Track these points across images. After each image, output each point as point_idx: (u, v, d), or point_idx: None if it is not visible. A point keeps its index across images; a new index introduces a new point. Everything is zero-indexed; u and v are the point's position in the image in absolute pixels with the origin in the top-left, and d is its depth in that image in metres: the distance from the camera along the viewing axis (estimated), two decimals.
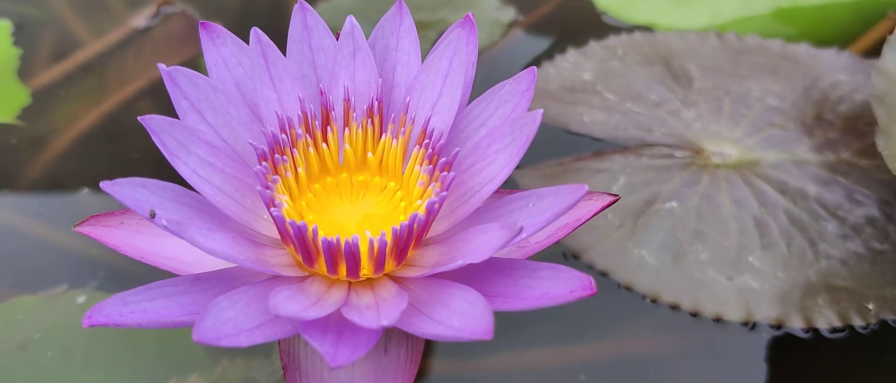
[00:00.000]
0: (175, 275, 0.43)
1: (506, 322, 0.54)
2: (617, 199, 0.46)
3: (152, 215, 0.44)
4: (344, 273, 0.42)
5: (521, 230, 0.42)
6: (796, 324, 0.59)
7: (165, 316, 0.40)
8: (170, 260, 0.44)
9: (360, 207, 0.47)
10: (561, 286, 0.40)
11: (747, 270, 0.61)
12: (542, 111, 0.42)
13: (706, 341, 0.58)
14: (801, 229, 0.64)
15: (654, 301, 0.60)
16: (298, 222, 0.40)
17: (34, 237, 0.64)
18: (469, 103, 0.46)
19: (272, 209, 0.42)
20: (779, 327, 0.58)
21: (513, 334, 0.55)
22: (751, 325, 0.58)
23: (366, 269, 0.42)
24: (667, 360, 0.57)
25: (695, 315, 0.60)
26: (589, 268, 0.64)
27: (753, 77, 0.75)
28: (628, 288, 0.62)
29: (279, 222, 0.43)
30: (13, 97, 0.74)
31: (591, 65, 0.79)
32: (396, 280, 0.43)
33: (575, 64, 0.79)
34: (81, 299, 0.64)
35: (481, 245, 0.40)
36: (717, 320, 0.59)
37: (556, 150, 0.70)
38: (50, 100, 0.75)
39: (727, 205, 0.67)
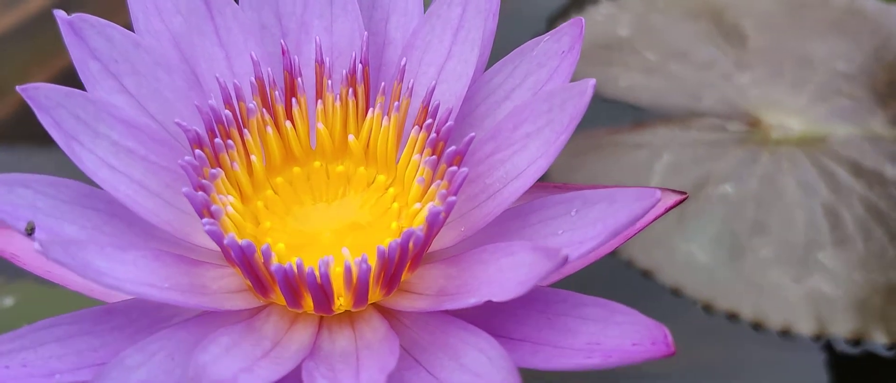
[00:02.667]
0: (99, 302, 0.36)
1: None
2: (685, 198, 0.39)
3: (30, 231, 0.31)
4: (311, 306, 0.34)
5: (564, 259, 0.31)
6: (878, 340, 0.54)
7: (55, 371, 0.32)
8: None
9: (338, 209, 0.39)
10: (617, 335, 0.32)
11: (817, 271, 0.58)
12: (593, 81, 0.33)
13: (771, 359, 0.56)
14: (879, 220, 0.60)
15: (707, 308, 0.57)
16: (241, 241, 0.32)
17: None
18: (486, 69, 0.39)
19: (205, 221, 0.33)
20: (856, 342, 0.54)
21: None
22: (823, 340, 0.55)
23: (343, 300, 0.35)
24: (724, 379, 0.54)
25: (757, 326, 0.56)
26: (628, 266, 0.61)
27: (816, 35, 0.72)
28: (676, 293, 0.58)
29: (215, 238, 0.34)
30: None
31: (628, 18, 0.76)
32: (386, 313, 0.36)
33: (609, 17, 0.76)
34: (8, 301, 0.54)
35: (505, 271, 0.33)
36: (784, 333, 0.56)
37: (586, 120, 0.66)
38: None
39: (792, 190, 0.63)
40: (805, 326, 0.56)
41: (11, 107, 0.74)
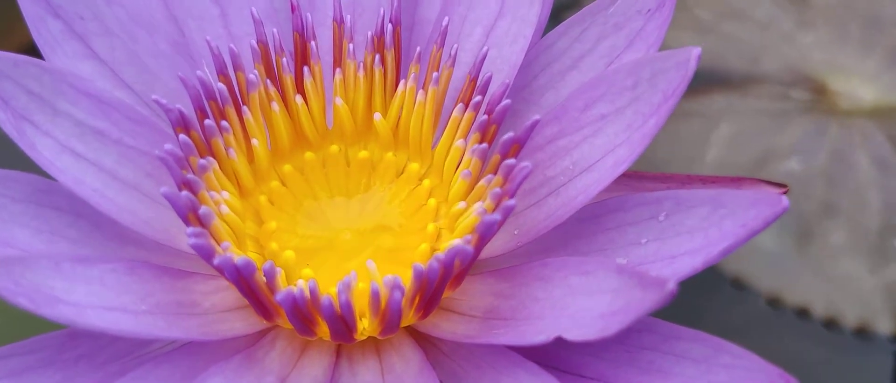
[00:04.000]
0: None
1: None
2: (786, 192, 0.35)
3: None
4: (327, 333, 0.30)
5: (671, 295, 0.25)
6: None
7: None
8: None
9: (360, 205, 0.35)
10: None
11: (895, 259, 0.54)
12: (698, 50, 0.29)
13: (844, 362, 0.52)
14: None
15: (772, 302, 0.53)
16: (237, 258, 0.28)
17: None
18: (546, 32, 0.35)
19: (191, 232, 0.28)
20: None
21: None
22: None
23: (367, 323, 0.31)
24: None
25: (829, 324, 0.53)
26: None
27: None
28: (737, 283, 0.55)
29: (204, 256, 0.28)
30: None
31: None
32: (420, 338, 0.32)
33: None
34: None
35: (577, 297, 0.29)
36: (860, 331, 0.52)
37: None
38: None
39: (865, 167, 0.60)
40: (884, 324, 0.52)
41: None
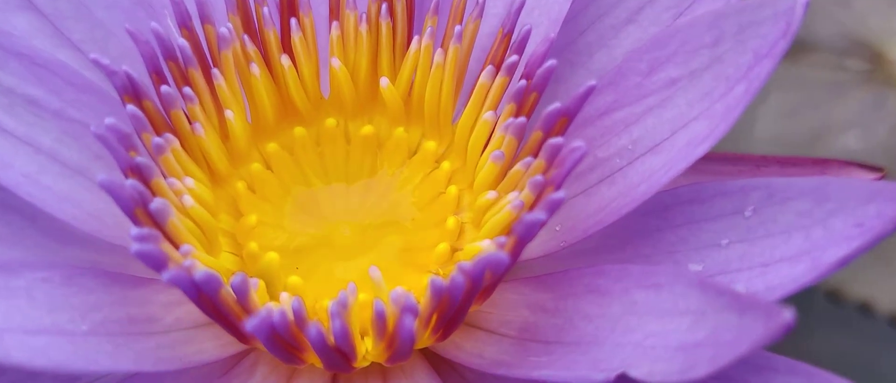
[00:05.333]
0: None
1: None
2: (882, 175, 0.32)
3: None
4: (318, 361, 0.25)
5: (781, 322, 0.19)
6: None
7: None
8: None
9: (363, 192, 0.30)
10: None
11: None
12: None
13: None
14: None
15: (832, 295, 0.50)
16: (197, 271, 0.22)
17: None
18: None
19: (136, 234, 0.22)
20: None
21: None
22: None
23: (370, 346, 0.25)
24: None
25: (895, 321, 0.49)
26: None
27: None
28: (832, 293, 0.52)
29: (152, 265, 0.22)
30: None
31: None
32: (438, 364, 0.27)
33: None
34: None
35: (643, 317, 0.23)
36: None
37: None
38: None
39: None
40: None
41: None
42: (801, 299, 0.55)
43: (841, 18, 0.61)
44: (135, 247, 0.22)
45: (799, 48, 0.60)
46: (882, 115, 0.57)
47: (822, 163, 0.35)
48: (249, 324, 0.21)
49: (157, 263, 0.22)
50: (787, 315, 0.19)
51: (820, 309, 0.52)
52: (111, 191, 0.23)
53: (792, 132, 0.56)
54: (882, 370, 0.49)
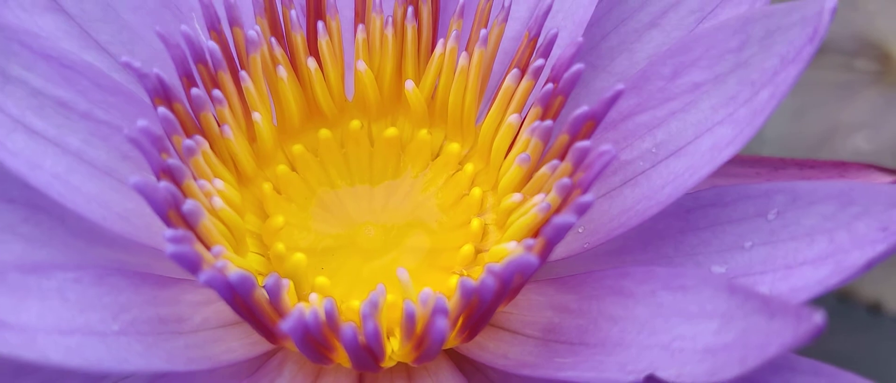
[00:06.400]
0: None
1: None
2: None
3: None
4: (346, 361, 0.24)
5: (812, 324, 0.20)
6: None
7: None
8: None
9: (387, 194, 0.30)
10: None
11: None
12: (834, 1, 0.24)
13: None
14: None
15: (841, 296, 0.51)
16: (231, 272, 0.22)
17: None
18: None
19: (170, 235, 0.23)
20: None
21: None
22: None
23: (396, 346, 0.25)
24: None
25: None
26: None
27: None
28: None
29: (187, 267, 0.22)
30: None
31: None
32: (463, 363, 0.27)
33: None
34: None
35: (670, 321, 0.23)
36: None
37: None
38: None
39: None
40: None
41: None
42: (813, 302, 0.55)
43: (850, 20, 0.61)
44: (170, 248, 0.22)
45: None
46: (891, 117, 0.57)
47: (841, 166, 0.34)
48: (285, 325, 0.21)
49: (192, 265, 0.22)
50: (818, 317, 0.19)
51: (831, 311, 0.54)
52: (144, 192, 0.23)
53: (802, 133, 0.56)
54: (893, 369, 0.48)
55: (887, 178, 0.33)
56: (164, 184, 0.24)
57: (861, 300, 0.51)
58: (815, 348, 0.39)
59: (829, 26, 0.68)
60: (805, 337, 0.19)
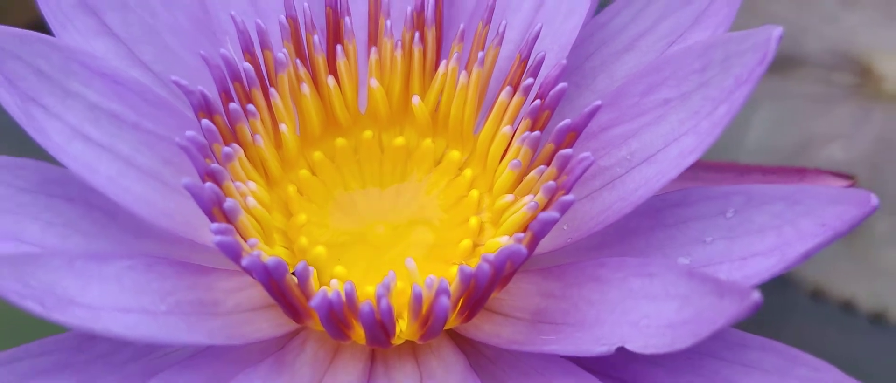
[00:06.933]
0: None
1: None
2: (852, 183, 0.35)
3: None
4: (362, 337, 0.28)
5: (755, 305, 0.23)
6: None
7: None
8: None
9: (396, 195, 0.33)
10: None
11: None
12: (780, 30, 0.27)
13: (893, 358, 0.50)
14: None
15: (816, 295, 0.52)
16: (267, 258, 0.26)
17: None
18: (599, 9, 0.34)
19: (216, 228, 0.26)
20: None
21: None
22: None
23: (404, 326, 0.29)
24: None
25: (876, 319, 0.51)
26: None
27: None
28: (780, 276, 0.51)
29: (230, 255, 0.26)
30: None
31: None
32: (461, 342, 0.30)
33: None
34: None
35: (639, 301, 0.27)
36: None
37: None
38: None
39: None
40: None
41: None
42: (787, 298, 0.56)
43: (829, 35, 0.62)
44: (216, 239, 0.25)
45: (789, 63, 0.61)
46: (867, 128, 0.58)
47: (801, 172, 0.36)
48: (313, 302, 0.25)
49: (234, 253, 0.25)
50: (756, 295, 0.23)
51: (804, 308, 0.52)
52: (193, 192, 0.26)
53: (780, 142, 0.57)
54: (863, 365, 0.49)
55: (841, 183, 0.35)
56: (209, 185, 0.27)
57: (833, 298, 0.52)
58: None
59: (797, 38, 0.69)
60: (748, 312, 0.23)
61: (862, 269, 0.53)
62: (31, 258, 0.25)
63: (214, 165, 0.28)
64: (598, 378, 0.27)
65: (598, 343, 0.25)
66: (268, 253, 0.27)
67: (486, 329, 0.29)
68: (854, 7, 0.64)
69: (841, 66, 0.62)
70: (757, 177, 0.35)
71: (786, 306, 0.52)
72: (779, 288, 0.52)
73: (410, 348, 0.29)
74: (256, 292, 0.29)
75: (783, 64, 0.62)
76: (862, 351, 0.51)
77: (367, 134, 0.34)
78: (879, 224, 0.54)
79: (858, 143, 0.58)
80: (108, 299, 0.25)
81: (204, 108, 0.29)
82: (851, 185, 0.34)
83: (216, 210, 0.26)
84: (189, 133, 0.27)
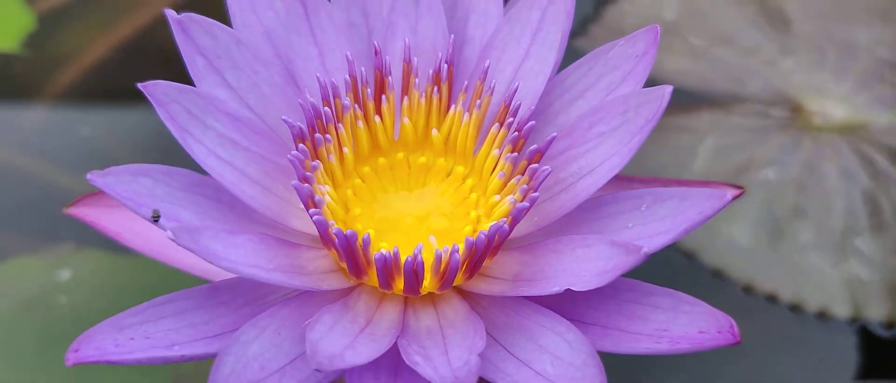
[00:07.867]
0: (200, 279, 0.38)
1: None
2: (742, 193, 0.39)
3: (156, 218, 0.34)
4: (400, 288, 0.35)
5: (645, 256, 0.32)
6: None
7: (174, 343, 0.34)
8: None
9: (419, 197, 0.40)
10: (685, 323, 0.34)
11: (854, 255, 0.58)
12: (670, 88, 0.34)
13: (807, 340, 0.56)
14: None
15: (747, 289, 0.56)
16: (346, 231, 0.34)
17: (40, 181, 0.60)
18: (560, 70, 0.39)
19: (313, 212, 0.35)
20: (891, 326, 0.54)
21: None
22: (858, 323, 0.55)
23: (428, 282, 0.36)
24: (762, 358, 0.54)
25: (795, 308, 0.56)
26: (671, 248, 0.59)
27: (861, 21, 0.70)
28: (718, 274, 0.58)
29: (321, 228, 0.35)
30: (16, 21, 0.67)
31: (675, 2, 0.73)
32: (465, 295, 0.37)
33: (655, 1, 0.73)
34: (65, 275, 0.55)
35: (581, 262, 0.34)
36: (821, 315, 0.56)
37: None
38: (57, 26, 0.69)
39: (832, 177, 0.63)
40: (841, 309, 0.56)
41: (75, 74, 0.75)
42: (722, 292, 0.58)
43: (769, 76, 0.68)
44: (315, 217, 0.33)
45: (733, 100, 0.66)
46: (797, 154, 0.63)
47: (707, 184, 0.41)
48: (376, 256, 0.32)
49: (324, 228, 0.34)
50: (645, 250, 0.31)
51: (736, 300, 0.57)
52: (298, 190, 0.34)
53: (723, 166, 0.63)
54: (784, 344, 0.55)
55: (734, 191, 0.38)
56: (306, 186, 0.34)
57: (737, 280, 0.57)
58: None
59: (741, 78, 0.73)
60: (641, 261, 0.31)
61: (786, 270, 0.57)
62: (196, 228, 0.33)
63: (307, 173, 0.35)
64: (554, 311, 0.34)
65: (553, 287, 0.33)
66: (345, 229, 0.37)
67: (481, 286, 0.36)
68: (790, 54, 0.69)
69: (777, 102, 0.66)
70: (673, 186, 0.38)
71: (722, 299, 0.55)
72: (717, 283, 0.56)
73: (430, 298, 0.36)
74: (327, 261, 0.36)
75: (728, 100, 0.66)
76: (782, 333, 0.56)
77: (400, 155, 0.40)
78: (803, 235, 0.58)
79: (789, 168, 0.62)
80: (239, 257, 0.33)
81: (300, 137, 0.36)
82: (740, 194, 0.39)
83: (310, 202, 0.34)
84: (293, 152, 0.35)
